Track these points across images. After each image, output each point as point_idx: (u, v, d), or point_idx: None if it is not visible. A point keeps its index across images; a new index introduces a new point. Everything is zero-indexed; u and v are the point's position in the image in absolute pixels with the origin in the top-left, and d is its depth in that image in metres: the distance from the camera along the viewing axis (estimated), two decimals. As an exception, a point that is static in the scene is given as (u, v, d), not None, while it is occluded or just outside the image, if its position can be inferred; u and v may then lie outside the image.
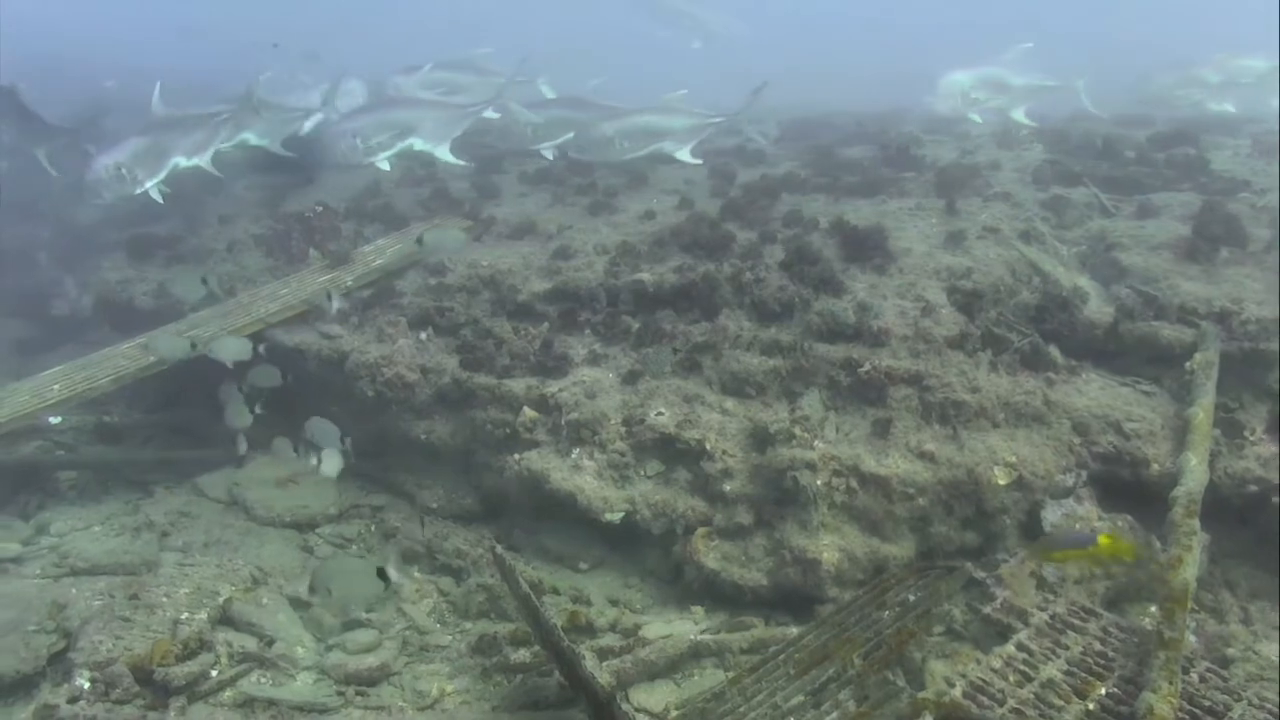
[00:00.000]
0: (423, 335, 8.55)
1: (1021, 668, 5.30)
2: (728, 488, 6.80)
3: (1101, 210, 9.83)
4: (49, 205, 12.95)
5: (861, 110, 15.60)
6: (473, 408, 7.87)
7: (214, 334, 8.40)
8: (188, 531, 7.63)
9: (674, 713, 5.46)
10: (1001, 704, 5.03)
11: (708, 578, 6.61)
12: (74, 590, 6.55)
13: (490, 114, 11.18)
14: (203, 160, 10.55)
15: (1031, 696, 5.09)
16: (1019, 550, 6.41)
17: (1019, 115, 12.94)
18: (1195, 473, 6.28)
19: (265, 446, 8.27)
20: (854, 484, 6.58)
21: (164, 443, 9.24)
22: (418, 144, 10.56)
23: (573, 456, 7.22)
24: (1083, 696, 5.10)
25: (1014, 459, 6.66)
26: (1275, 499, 6.47)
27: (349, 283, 9.05)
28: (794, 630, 6.03)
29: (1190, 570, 5.56)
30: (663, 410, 7.24)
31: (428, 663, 6.22)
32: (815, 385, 7.30)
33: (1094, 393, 7.18)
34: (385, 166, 10.50)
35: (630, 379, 7.65)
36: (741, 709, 5.28)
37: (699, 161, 10.86)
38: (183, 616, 6.22)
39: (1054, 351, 7.45)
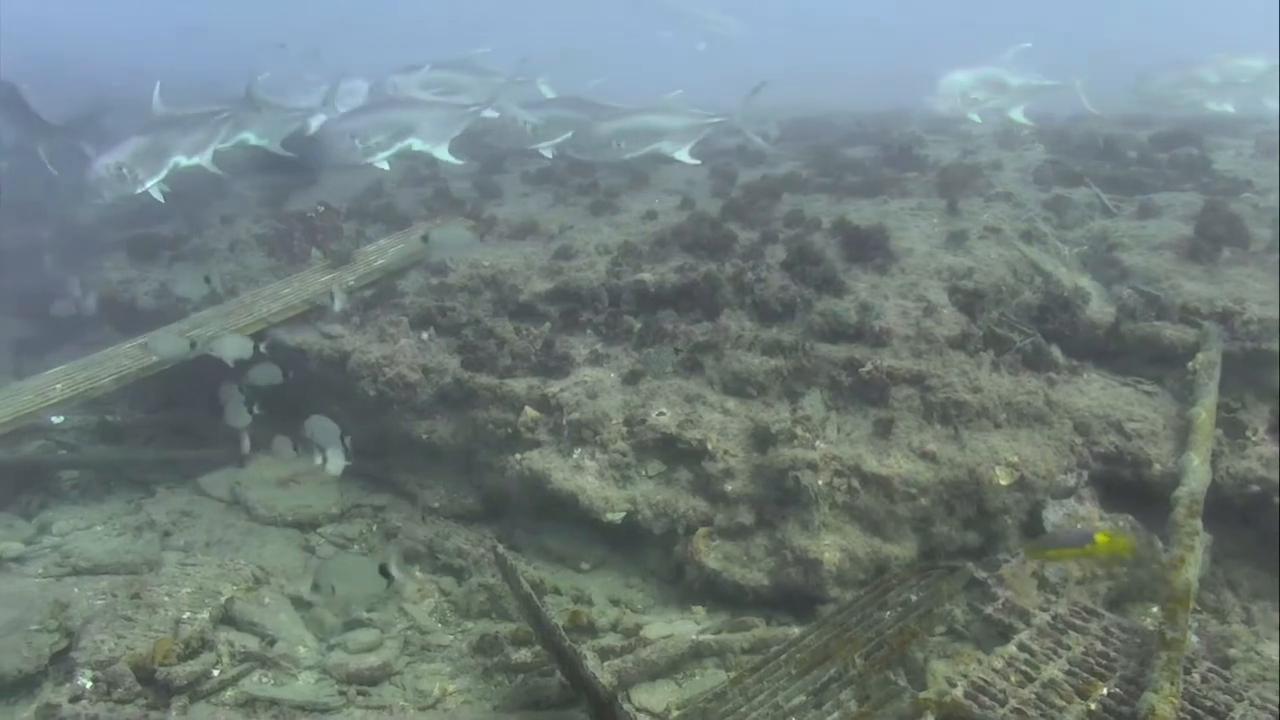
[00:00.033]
0: (424, 335, 8.55)
1: (1023, 668, 5.30)
2: (729, 488, 6.80)
3: (1103, 210, 9.83)
4: (51, 205, 12.95)
5: (863, 110, 15.59)
6: (474, 407, 7.87)
7: (215, 333, 8.40)
8: (189, 531, 7.64)
9: (675, 713, 5.46)
10: (1003, 704, 5.03)
11: (709, 578, 6.61)
12: (76, 589, 6.56)
13: (489, 113, 11.18)
14: (203, 159, 10.56)
15: (1033, 697, 5.09)
16: (1019, 550, 6.41)
17: (1017, 115, 12.95)
18: (1197, 473, 6.27)
19: (268, 446, 8.30)
20: (855, 484, 6.58)
21: (166, 442, 9.25)
22: (416, 144, 10.55)
23: (574, 456, 7.23)
24: (1084, 697, 5.09)
25: (1016, 459, 6.65)
26: (1277, 499, 6.47)
27: (350, 283, 9.05)
28: (795, 630, 6.02)
29: (1192, 570, 5.55)
30: (664, 410, 7.24)
31: (429, 662, 6.22)
32: (817, 385, 7.30)
33: (1096, 393, 7.18)
34: (384, 166, 10.50)
35: (632, 379, 7.65)
36: (743, 709, 5.28)
37: (697, 162, 10.86)
38: (184, 616, 6.22)
39: (1056, 351, 7.45)
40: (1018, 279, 8.33)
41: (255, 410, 7.91)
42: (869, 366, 7.16)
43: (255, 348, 7.90)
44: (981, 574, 6.27)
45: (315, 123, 11.21)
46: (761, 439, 6.93)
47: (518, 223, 10.03)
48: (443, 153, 10.69)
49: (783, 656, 5.65)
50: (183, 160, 10.41)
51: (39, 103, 12.22)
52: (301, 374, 8.41)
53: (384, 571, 5.73)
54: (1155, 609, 5.89)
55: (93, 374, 8.47)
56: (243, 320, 8.84)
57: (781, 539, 6.53)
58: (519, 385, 7.76)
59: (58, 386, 8.36)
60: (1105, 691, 5.12)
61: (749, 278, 8.12)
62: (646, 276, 8.47)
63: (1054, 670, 5.29)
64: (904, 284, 8.13)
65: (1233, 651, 5.88)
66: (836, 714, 5.18)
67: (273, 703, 5.71)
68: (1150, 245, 8.78)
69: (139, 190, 10.01)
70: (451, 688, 5.93)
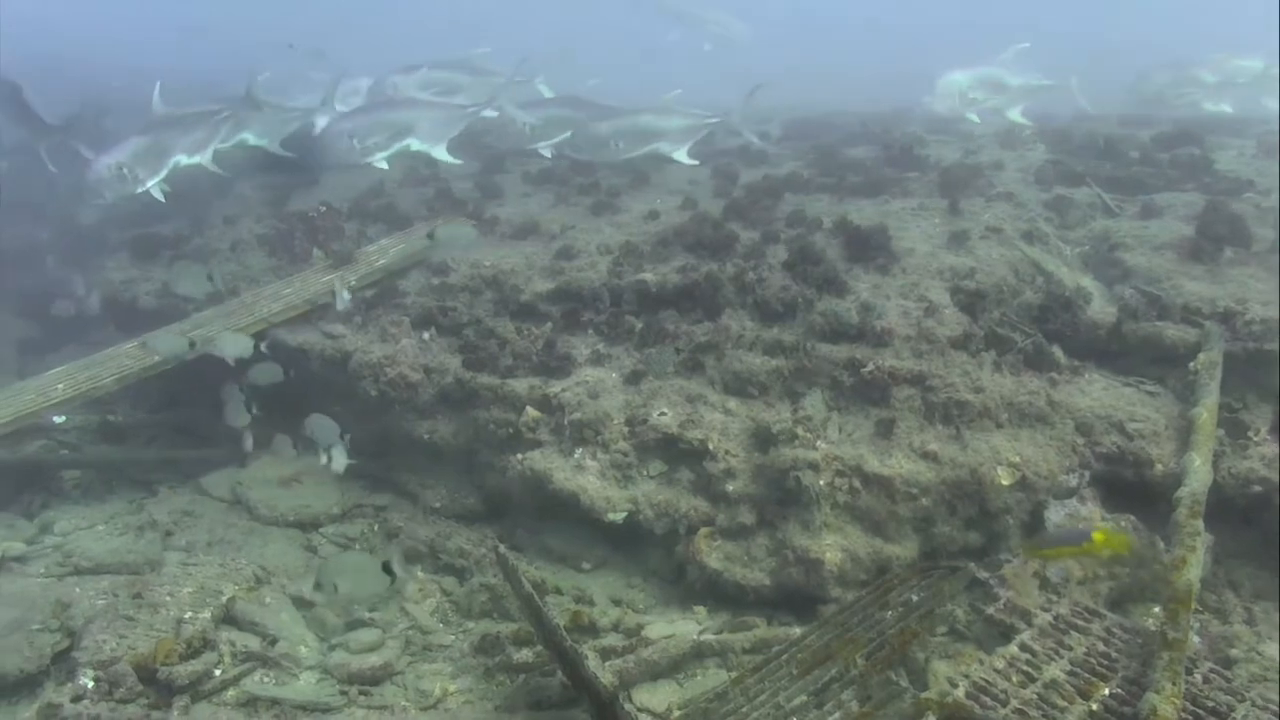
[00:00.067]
0: (426, 335, 8.56)
1: (1025, 668, 5.30)
2: (730, 488, 6.80)
3: (1105, 210, 9.82)
4: (52, 205, 12.96)
5: (864, 110, 15.59)
6: (476, 408, 7.87)
7: (214, 332, 8.41)
8: (191, 531, 7.64)
9: (676, 713, 5.46)
10: (1005, 704, 5.02)
11: (710, 578, 6.61)
12: (78, 589, 6.56)
13: (488, 113, 11.18)
14: (203, 158, 10.56)
15: (1035, 697, 5.09)
16: (1018, 549, 6.41)
17: (1015, 115, 12.96)
18: (1199, 473, 6.27)
19: (269, 445, 8.32)
20: (857, 484, 6.58)
21: (168, 442, 9.26)
22: (414, 144, 10.56)
23: (576, 456, 7.23)
24: (1086, 697, 5.09)
25: (1017, 459, 6.65)
26: (1278, 499, 6.46)
27: (352, 283, 9.05)
28: (797, 630, 6.02)
29: (1194, 571, 5.55)
30: (665, 410, 7.24)
31: (430, 662, 6.23)
32: (818, 385, 7.30)
33: (1097, 393, 7.18)
34: (384, 166, 10.51)
35: (633, 379, 7.65)
36: (744, 709, 5.28)
37: (695, 162, 10.85)
38: (186, 616, 6.22)
39: (1057, 352, 7.45)
40: (1019, 279, 8.33)
41: (255, 410, 7.92)
42: (870, 366, 7.16)
43: (255, 346, 7.91)
44: (983, 574, 6.28)
45: (320, 122, 11.22)
46: (763, 439, 6.93)
47: (519, 223, 10.04)
48: (441, 153, 10.70)
49: (784, 657, 5.66)
50: (183, 159, 10.41)
51: (40, 102, 12.20)
52: (303, 374, 8.42)
53: (387, 569, 5.73)
54: (1157, 609, 5.88)
55: (95, 374, 8.47)
56: (244, 320, 8.84)
57: (783, 539, 6.53)
58: (520, 385, 7.76)
59: (60, 386, 8.36)
60: (1107, 692, 5.12)
61: (750, 278, 8.12)
62: (648, 276, 8.47)
63: (1056, 671, 5.28)
64: (905, 284, 8.13)
65: (1234, 652, 5.88)
66: (838, 714, 5.18)
67: (274, 702, 5.71)
68: (1152, 245, 8.77)
69: (139, 190, 10.01)
70: (453, 688, 5.93)
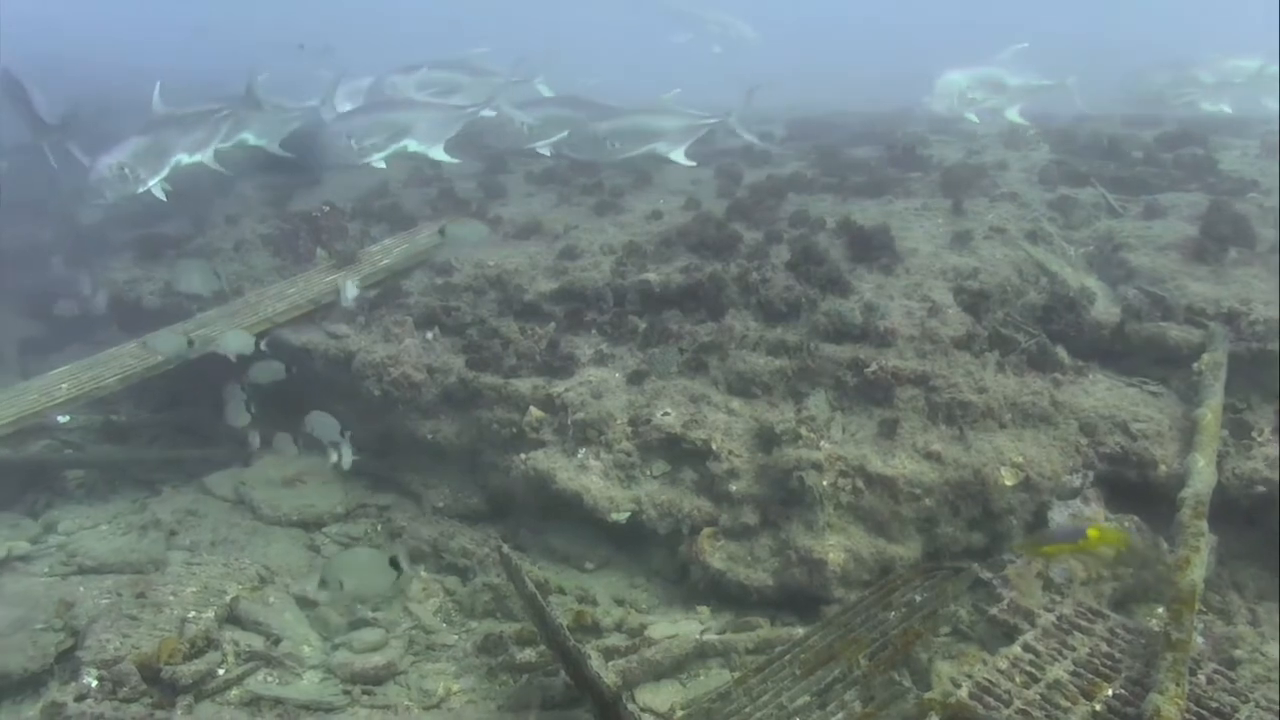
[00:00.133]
0: (429, 335, 8.56)
1: (1028, 669, 5.30)
2: (733, 488, 6.80)
3: (1109, 210, 9.81)
4: (55, 204, 12.97)
5: (867, 110, 15.59)
6: (479, 407, 7.88)
7: (217, 331, 8.42)
8: (195, 530, 7.65)
9: (679, 713, 5.47)
10: (1008, 705, 5.02)
11: (713, 578, 6.61)
12: (81, 588, 6.57)
13: (486, 113, 11.19)
14: (204, 157, 10.58)
15: (1038, 697, 5.09)
16: (1014, 548, 6.41)
17: (1014, 115, 12.97)
18: (1203, 474, 6.26)
19: (272, 444, 8.33)
20: (860, 484, 6.58)
21: (171, 442, 9.28)
22: (412, 145, 10.57)
23: (579, 456, 7.23)
24: (1089, 698, 5.09)
25: (1021, 459, 6.65)
26: (1282, 500, 6.46)
27: (357, 282, 9.05)
28: (800, 630, 6.02)
29: (1198, 572, 5.54)
30: (669, 410, 7.24)
31: (434, 662, 6.23)
32: (821, 385, 7.29)
33: (1101, 393, 7.17)
34: (381, 166, 10.53)
35: (636, 379, 7.65)
36: (747, 709, 5.28)
37: (693, 163, 10.84)
38: (190, 615, 6.23)
39: (1061, 352, 7.44)
40: (1023, 279, 8.32)
41: (255, 409, 7.93)
42: (874, 367, 7.15)
43: (256, 344, 7.92)
44: (986, 574, 6.27)
45: (322, 122, 11.23)
46: (766, 439, 6.93)
47: (522, 222, 10.04)
48: (438, 153, 10.70)
49: (787, 657, 5.65)
50: (184, 159, 10.43)
51: (44, 99, 12.20)
52: (307, 373, 8.42)
53: (394, 563, 5.74)
54: (1160, 610, 5.88)
55: (98, 373, 8.49)
56: (248, 320, 8.86)
57: (786, 539, 6.53)
58: (524, 385, 7.76)
59: (63, 386, 8.38)
60: (1110, 692, 5.12)
61: (754, 278, 8.12)
62: (651, 276, 8.47)
63: (1059, 671, 5.28)
64: (909, 284, 8.13)
65: (1238, 653, 5.87)
66: (841, 714, 5.18)
67: (278, 702, 5.72)
68: (1156, 245, 8.76)
69: (141, 190, 10.02)
70: (456, 687, 5.93)
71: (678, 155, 10.76)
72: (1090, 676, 5.25)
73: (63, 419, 9.00)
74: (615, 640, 6.19)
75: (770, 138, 12.97)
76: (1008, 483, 6.55)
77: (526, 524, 7.64)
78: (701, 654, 6.00)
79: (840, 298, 7.89)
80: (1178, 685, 4.89)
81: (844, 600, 6.26)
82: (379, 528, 7.93)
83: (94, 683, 5.57)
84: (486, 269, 9.03)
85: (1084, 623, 5.71)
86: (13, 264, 12.08)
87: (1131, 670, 5.27)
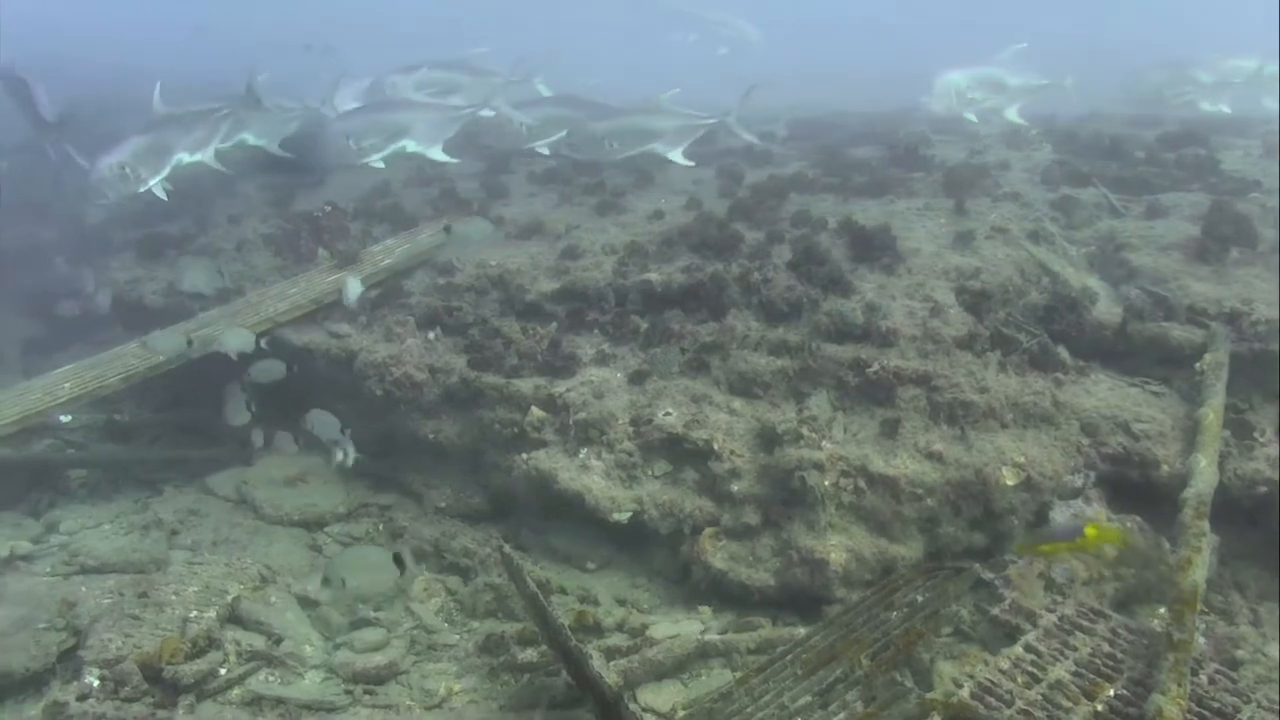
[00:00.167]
0: (431, 335, 8.57)
1: (1030, 669, 5.30)
2: (735, 488, 6.80)
3: (1111, 210, 9.81)
4: (57, 203, 12.98)
5: (869, 110, 15.59)
6: (481, 407, 7.88)
7: (218, 330, 8.43)
8: (196, 530, 7.66)
9: (681, 713, 5.47)
10: (1009, 705, 5.02)
11: (715, 578, 6.61)
12: (84, 588, 6.57)
13: (485, 113, 11.19)
14: (205, 156, 10.59)
15: (1040, 698, 5.09)
16: (1015, 550, 6.41)
17: (1013, 115, 12.98)
18: (1205, 474, 6.26)
19: (272, 443, 8.33)
20: (862, 484, 6.57)
21: (173, 441, 9.28)
22: (410, 146, 10.58)
23: (580, 456, 7.23)
24: (1091, 698, 5.09)
25: (1022, 459, 6.65)
26: (1284, 500, 6.46)
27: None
28: (801, 631, 6.02)
29: (1199, 572, 5.54)
30: (670, 410, 7.24)
31: (435, 661, 6.23)
32: (823, 385, 7.29)
33: (1103, 393, 7.17)
34: (380, 165, 10.54)
35: (638, 379, 7.65)
36: (749, 709, 5.28)
37: (691, 163, 10.84)
38: (191, 615, 6.23)
39: (1063, 352, 7.45)
40: (1025, 279, 8.32)
41: (255, 408, 7.93)
42: (875, 367, 7.15)
43: (256, 342, 7.93)
44: (988, 575, 6.27)
45: (322, 122, 11.25)
46: (768, 439, 6.93)
47: (524, 222, 10.04)
48: (437, 153, 10.71)
49: (789, 657, 5.65)
50: (185, 158, 10.44)
51: (45, 96, 12.19)
52: (308, 373, 8.43)
53: (398, 560, 5.73)
54: (1162, 610, 5.87)
55: (100, 373, 8.49)
56: (250, 319, 8.86)
57: (788, 539, 6.53)
58: (525, 385, 7.76)
59: (66, 385, 8.39)
60: (1112, 693, 5.12)
61: (755, 278, 8.12)
62: (653, 276, 8.47)
63: (1061, 671, 5.28)
64: (911, 284, 8.12)
65: (1240, 653, 5.87)
66: (843, 714, 5.18)
67: (279, 701, 5.72)
68: (1158, 245, 8.76)
69: (141, 189, 10.03)
70: (457, 687, 5.93)
71: (676, 155, 10.75)
72: (1092, 677, 5.25)
73: (65, 418, 9.00)
74: (617, 640, 6.19)
75: (772, 138, 12.97)
76: (1009, 483, 6.55)
77: (528, 524, 7.64)
78: (703, 654, 6.00)
79: (842, 298, 7.89)
80: (1180, 686, 4.89)
81: (846, 600, 6.26)
82: (381, 527, 7.94)
83: (96, 682, 5.57)
84: (488, 269, 9.03)
85: (1086, 623, 5.71)
86: (15, 263, 12.09)
87: (1133, 671, 5.27)
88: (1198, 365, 7.16)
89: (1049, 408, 6.99)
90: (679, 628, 6.30)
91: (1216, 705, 5.04)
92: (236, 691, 5.80)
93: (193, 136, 10.47)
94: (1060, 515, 6.55)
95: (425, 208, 10.96)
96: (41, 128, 12.09)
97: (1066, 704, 5.05)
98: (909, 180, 10.88)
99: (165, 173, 10.17)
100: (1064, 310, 7.79)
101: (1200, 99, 14.01)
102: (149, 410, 9.68)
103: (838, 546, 6.40)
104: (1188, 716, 4.86)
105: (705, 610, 6.60)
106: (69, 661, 5.84)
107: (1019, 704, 5.03)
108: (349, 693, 5.87)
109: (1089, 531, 5.38)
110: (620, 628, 6.40)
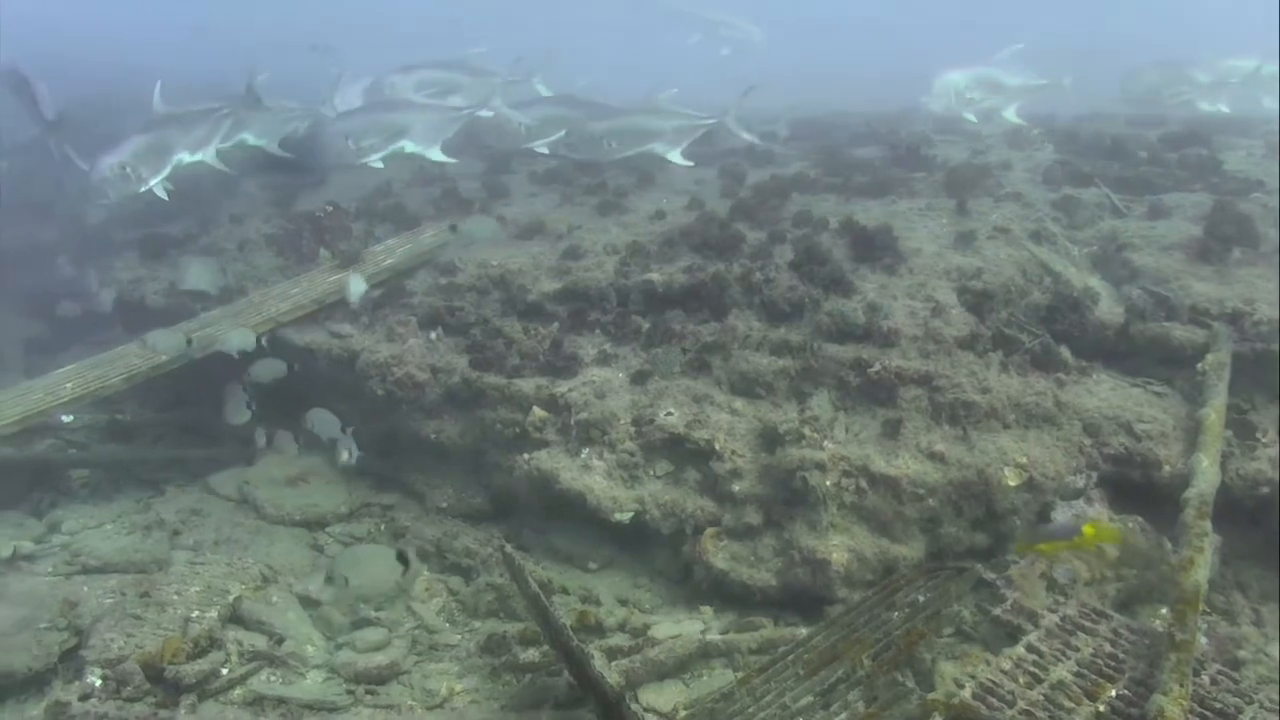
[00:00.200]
0: (433, 335, 8.57)
1: (1031, 669, 5.29)
2: (737, 488, 6.79)
3: (1113, 210, 9.80)
4: (59, 203, 12.99)
5: (871, 110, 15.58)
6: (482, 407, 7.88)
7: (219, 330, 8.43)
8: (198, 530, 7.66)
9: (683, 713, 5.47)
10: (1011, 705, 5.02)
11: (717, 578, 6.61)
12: (85, 588, 6.58)
13: (483, 113, 11.20)
14: (205, 156, 10.59)
15: (1041, 698, 5.08)
16: (1015, 550, 6.40)
17: (1011, 114, 12.99)
18: (1207, 474, 6.25)
19: (273, 442, 8.33)
20: (863, 484, 6.57)
21: (175, 441, 9.30)
22: (409, 146, 10.58)
23: (582, 456, 7.23)
24: (1093, 698, 5.08)
25: (1024, 460, 6.64)
26: (1286, 501, 6.45)
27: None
28: (803, 631, 6.02)
29: (1202, 572, 5.54)
30: (672, 410, 7.24)
31: (437, 661, 6.24)
32: (825, 385, 7.29)
33: (1105, 394, 7.16)
34: (379, 165, 10.55)
35: (640, 379, 7.65)
36: (750, 709, 5.27)
37: (690, 164, 10.84)
38: (193, 614, 6.23)
39: (1065, 352, 7.44)
40: (1027, 279, 8.31)
41: (255, 408, 7.94)
42: (877, 367, 7.15)
43: (257, 341, 7.93)
44: (990, 575, 6.26)
45: (321, 122, 11.26)
46: (769, 439, 6.93)
47: (526, 222, 10.05)
48: (435, 153, 10.71)
49: (790, 657, 5.65)
50: (185, 158, 10.44)
51: (47, 94, 12.18)
52: (310, 373, 8.43)
53: (402, 558, 5.73)
54: (1164, 611, 5.86)
55: (102, 373, 8.50)
56: (252, 319, 8.86)
57: (789, 539, 6.53)
58: (527, 385, 7.76)
59: (68, 385, 8.39)
60: (1114, 693, 5.12)
61: (757, 278, 8.12)
62: (654, 276, 8.47)
63: (1062, 672, 5.28)
64: (912, 284, 8.12)
65: (1242, 653, 5.86)
66: (844, 715, 5.18)
67: (281, 701, 5.72)
68: (1160, 246, 8.75)
69: (142, 189, 10.03)
70: (459, 687, 5.94)
71: (674, 155, 10.75)
72: (1094, 677, 5.24)
73: (67, 418, 9.01)
74: (618, 640, 6.19)
75: (773, 138, 12.98)
76: (1011, 483, 6.55)
77: (530, 524, 7.64)
78: (705, 654, 6.00)
79: (843, 298, 7.88)
80: (1181, 686, 4.89)
81: (847, 600, 6.26)
82: (382, 527, 7.94)
83: (98, 682, 5.57)
84: (490, 269, 9.04)
85: (1088, 623, 5.71)
86: (16, 263, 12.09)
87: (1135, 671, 5.27)
88: (1200, 365, 7.15)
89: (1051, 408, 6.98)
90: (681, 628, 6.31)
91: (1219, 706, 5.03)
92: (238, 691, 5.80)
93: (193, 136, 10.47)
94: (1062, 515, 6.54)
95: (428, 208, 10.97)
96: (45, 127, 12.09)
97: (1068, 704, 5.05)
98: (911, 180, 10.88)
99: (166, 172, 10.17)
100: (1066, 310, 7.79)
101: (1197, 99, 14.00)
102: (151, 410, 9.69)
103: (839, 546, 6.40)
104: (1189, 717, 4.85)
105: (707, 610, 6.60)
106: (71, 661, 5.84)
107: (1021, 704, 5.03)
108: (350, 693, 5.88)
109: (1087, 530, 5.39)
110: (622, 628, 6.40)
